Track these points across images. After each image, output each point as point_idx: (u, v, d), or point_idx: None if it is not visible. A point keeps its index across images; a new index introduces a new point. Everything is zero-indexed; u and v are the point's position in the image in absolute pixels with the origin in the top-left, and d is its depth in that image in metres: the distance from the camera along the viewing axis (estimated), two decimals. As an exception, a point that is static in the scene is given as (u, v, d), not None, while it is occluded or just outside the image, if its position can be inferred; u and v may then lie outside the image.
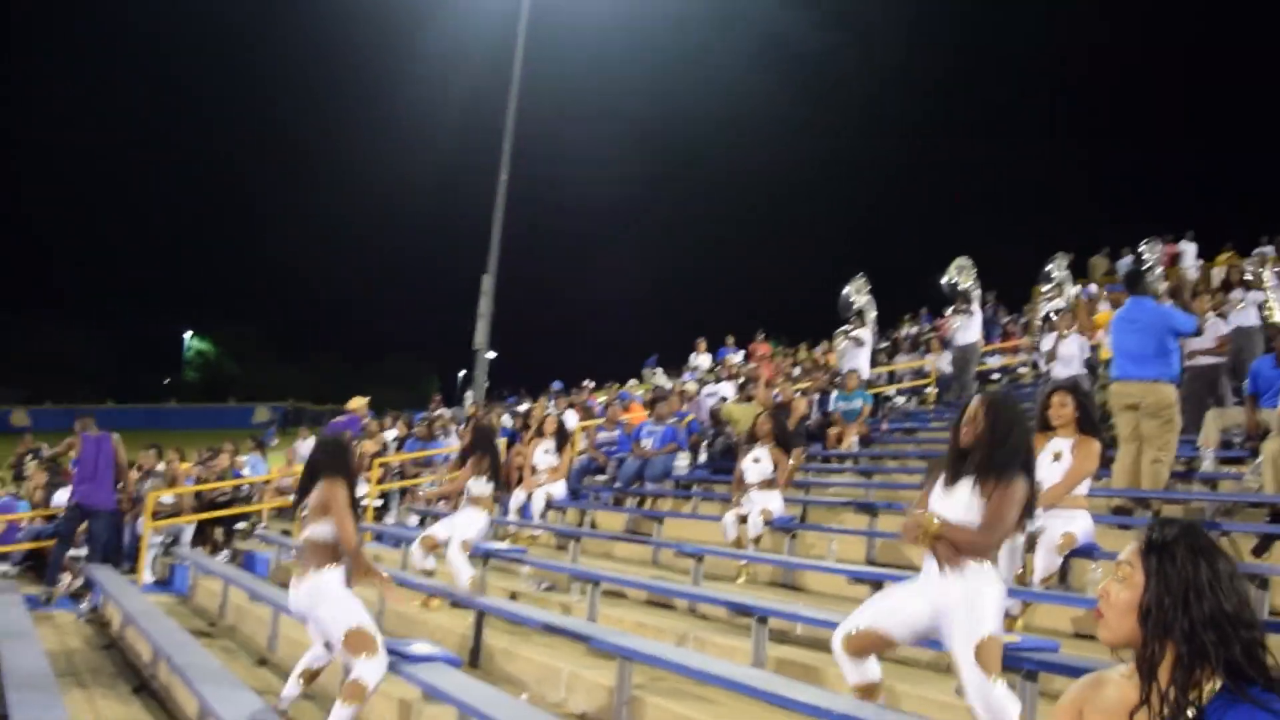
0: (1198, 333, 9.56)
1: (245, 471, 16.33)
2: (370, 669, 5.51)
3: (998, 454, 4.43)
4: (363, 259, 77.60)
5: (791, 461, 10.02)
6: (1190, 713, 2.04)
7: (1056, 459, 6.55)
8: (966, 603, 4.34)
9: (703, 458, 14.04)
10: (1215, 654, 2.06)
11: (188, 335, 73.57)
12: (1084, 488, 6.60)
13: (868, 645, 4.58)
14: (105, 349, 68.24)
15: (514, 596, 9.22)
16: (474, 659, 7.52)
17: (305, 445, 18.36)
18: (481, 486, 8.95)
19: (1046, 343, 12.48)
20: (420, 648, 6.06)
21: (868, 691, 4.60)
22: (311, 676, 6.07)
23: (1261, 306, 12.67)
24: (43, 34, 75.72)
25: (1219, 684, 2.05)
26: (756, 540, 9.49)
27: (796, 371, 20.60)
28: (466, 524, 8.79)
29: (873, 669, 4.63)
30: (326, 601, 5.71)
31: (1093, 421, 6.68)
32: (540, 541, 11.93)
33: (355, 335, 75.21)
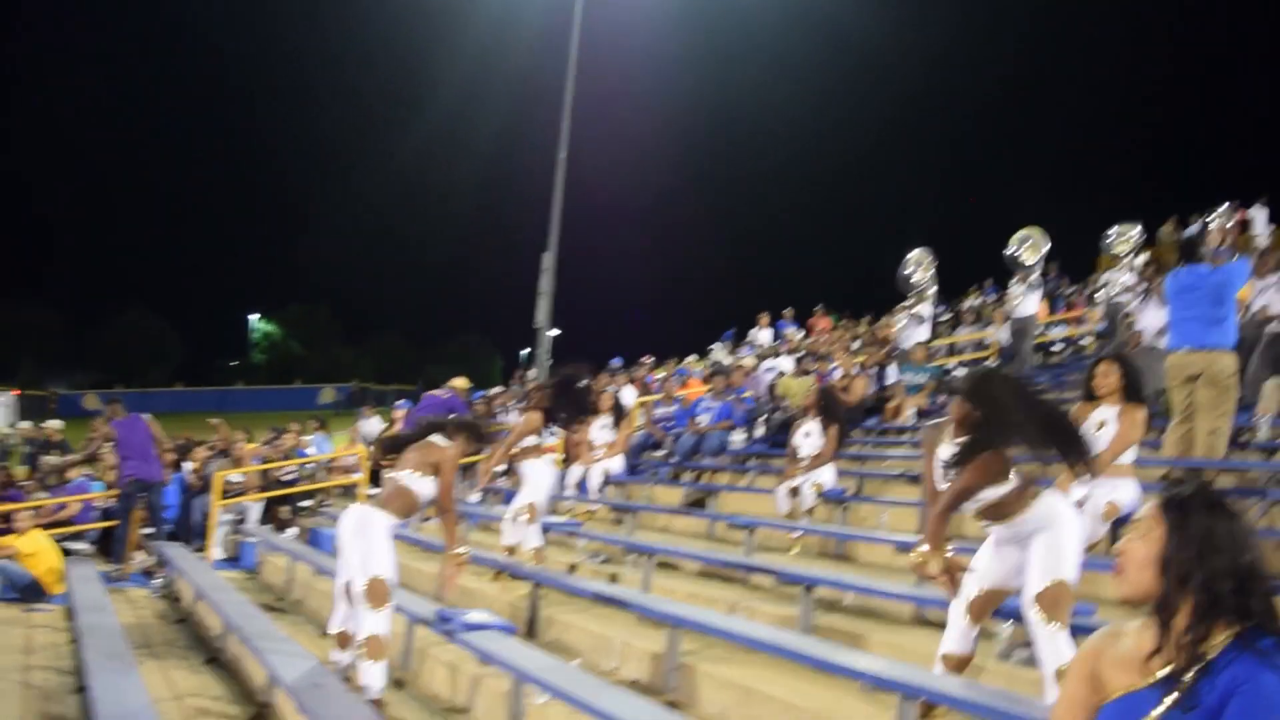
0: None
1: (310, 451, 16.66)
2: (379, 621, 5.81)
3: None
4: (427, 240, 78.18)
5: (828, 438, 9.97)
6: (1199, 662, 2.10)
7: (1101, 427, 6.55)
8: (1045, 539, 4.54)
9: (760, 432, 14.11)
10: (1232, 603, 2.13)
11: (254, 318, 74.72)
12: (1130, 456, 6.60)
13: (987, 604, 4.73)
14: (174, 333, 69.59)
15: (571, 569, 9.37)
16: (530, 629, 7.68)
17: (368, 424, 18.68)
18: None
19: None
20: (477, 616, 6.23)
21: (958, 664, 4.71)
22: (346, 640, 6.23)
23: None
24: (127, 33, 77.09)
25: (1231, 635, 2.11)
26: (810, 512, 9.57)
27: (856, 345, 20.55)
28: (532, 485, 8.80)
29: (971, 641, 4.73)
30: (368, 537, 5.94)
31: (1138, 390, 6.66)
32: (598, 516, 12.07)
33: (419, 316, 75.94)
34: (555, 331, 24.14)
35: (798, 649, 5.13)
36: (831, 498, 9.66)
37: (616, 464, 12.50)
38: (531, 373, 23.81)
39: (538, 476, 8.77)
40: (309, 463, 16.17)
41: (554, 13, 22.81)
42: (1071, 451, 4.66)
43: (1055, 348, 19.42)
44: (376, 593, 5.83)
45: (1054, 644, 4.38)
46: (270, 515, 14.89)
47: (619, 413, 12.60)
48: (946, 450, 4.84)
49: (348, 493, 15.81)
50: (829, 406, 10.10)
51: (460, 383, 15.20)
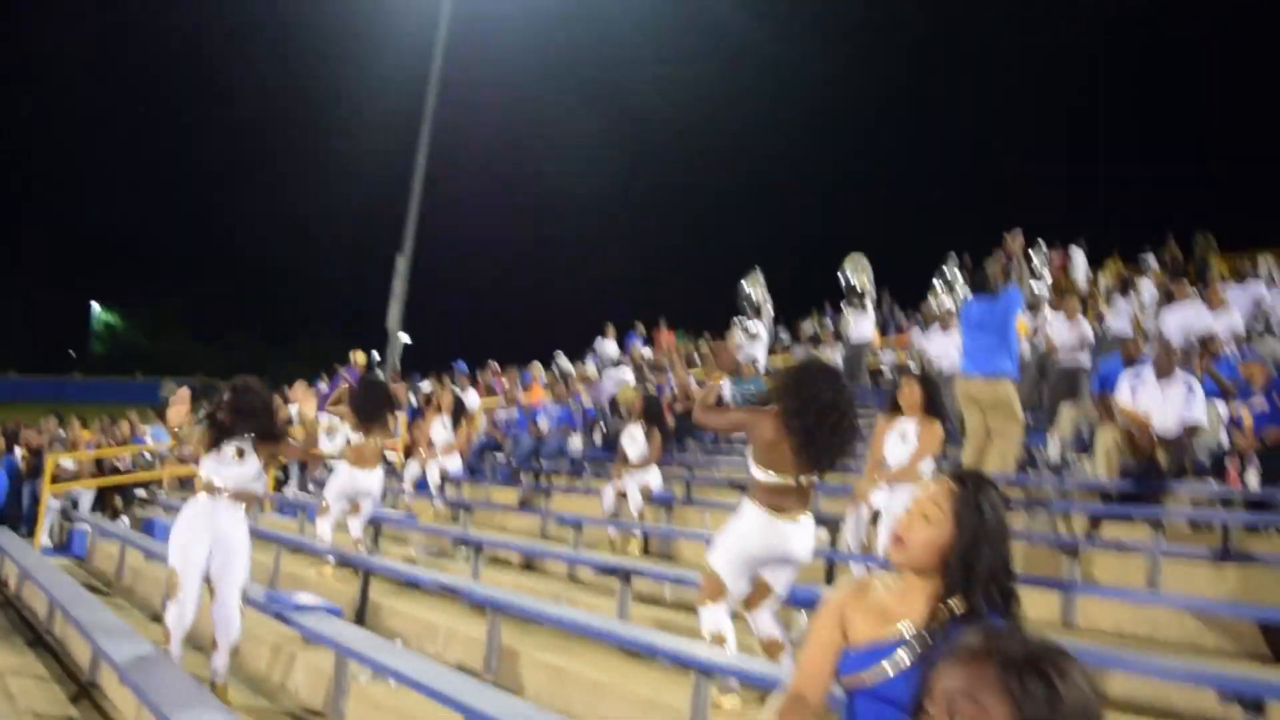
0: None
1: (147, 440, 16.46)
2: (168, 611, 6.13)
3: None
4: (282, 237, 76.39)
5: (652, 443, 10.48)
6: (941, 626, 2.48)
7: (903, 439, 7.13)
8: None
9: (598, 438, 14.51)
10: (992, 600, 2.51)
11: (95, 307, 72.11)
12: (927, 467, 7.19)
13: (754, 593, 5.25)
14: (9, 319, 66.62)
15: (410, 563, 9.62)
16: (359, 616, 7.90)
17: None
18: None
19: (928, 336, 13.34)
20: (304, 599, 6.48)
21: (770, 648, 5.19)
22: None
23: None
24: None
25: (971, 606, 2.49)
26: (640, 515, 10.00)
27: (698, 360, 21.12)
28: (329, 483, 9.51)
29: (766, 626, 5.27)
30: (174, 529, 6.27)
31: (937, 406, 7.27)
32: (435, 513, 12.29)
33: (271, 313, 73.89)
34: (406, 336, 24.15)
35: (606, 629, 5.52)
36: (659, 501, 10.11)
37: (454, 463, 12.72)
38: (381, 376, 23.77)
39: (333, 476, 9.35)
40: (145, 451, 15.98)
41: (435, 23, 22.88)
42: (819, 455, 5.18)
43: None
44: (168, 583, 6.16)
45: (703, 616, 5.14)
46: (103, 503, 14.70)
47: (458, 413, 12.84)
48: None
49: (185, 485, 15.69)
50: (653, 413, 10.56)
51: (358, 357, 16.60)
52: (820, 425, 5.00)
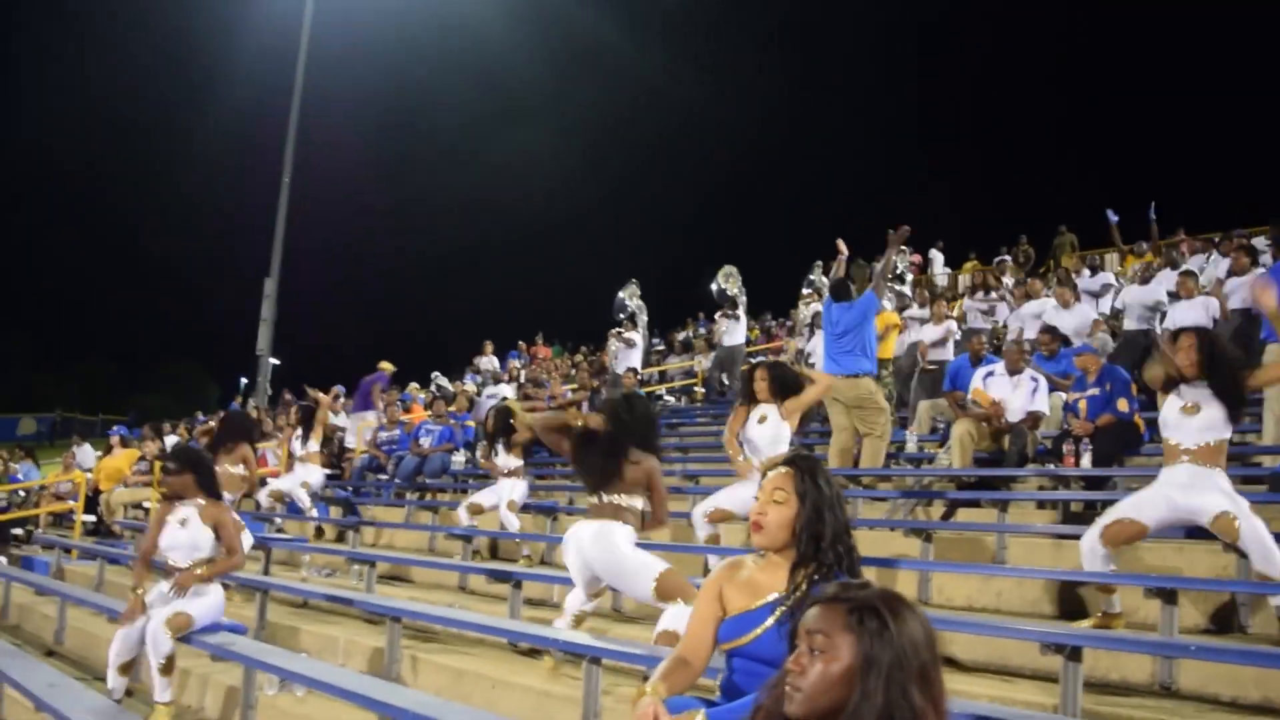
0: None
1: (19, 478, 16.23)
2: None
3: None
4: (139, 262, 74.25)
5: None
6: (800, 591, 3.00)
7: (762, 421, 7.63)
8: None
9: (480, 454, 14.83)
10: (839, 558, 3.07)
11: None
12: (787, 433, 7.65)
13: None
14: None
15: (303, 583, 9.83)
16: (259, 636, 8.10)
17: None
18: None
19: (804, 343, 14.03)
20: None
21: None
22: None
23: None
24: None
25: (826, 571, 3.03)
26: (519, 528, 10.33)
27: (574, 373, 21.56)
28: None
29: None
30: None
31: (787, 388, 7.76)
32: (324, 535, 12.42)
33: (130, 342, 71.73)
34: (275, 360, 24.04)
35: (503, 627, 5.91)
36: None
37: (313, 474, 12.37)
38: (252, 400, 23.68)
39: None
40: (20, 489, 15.77)
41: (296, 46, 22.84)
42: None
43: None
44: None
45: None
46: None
47: (308, 425, 12.69)
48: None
49: (61, 520, 15.53)
50: (506, 426, 10.85)
51: (386, 365, 16.99)
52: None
